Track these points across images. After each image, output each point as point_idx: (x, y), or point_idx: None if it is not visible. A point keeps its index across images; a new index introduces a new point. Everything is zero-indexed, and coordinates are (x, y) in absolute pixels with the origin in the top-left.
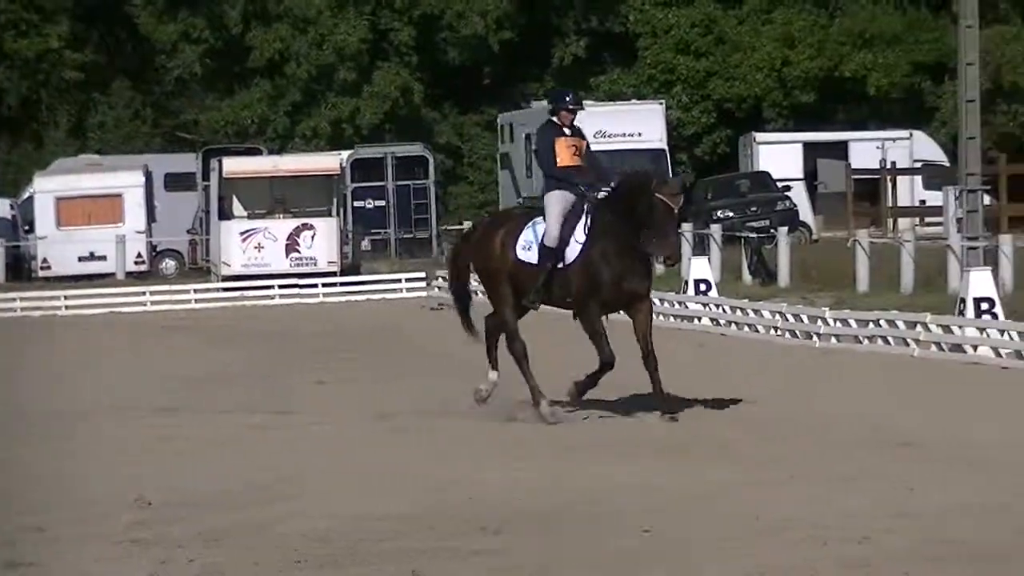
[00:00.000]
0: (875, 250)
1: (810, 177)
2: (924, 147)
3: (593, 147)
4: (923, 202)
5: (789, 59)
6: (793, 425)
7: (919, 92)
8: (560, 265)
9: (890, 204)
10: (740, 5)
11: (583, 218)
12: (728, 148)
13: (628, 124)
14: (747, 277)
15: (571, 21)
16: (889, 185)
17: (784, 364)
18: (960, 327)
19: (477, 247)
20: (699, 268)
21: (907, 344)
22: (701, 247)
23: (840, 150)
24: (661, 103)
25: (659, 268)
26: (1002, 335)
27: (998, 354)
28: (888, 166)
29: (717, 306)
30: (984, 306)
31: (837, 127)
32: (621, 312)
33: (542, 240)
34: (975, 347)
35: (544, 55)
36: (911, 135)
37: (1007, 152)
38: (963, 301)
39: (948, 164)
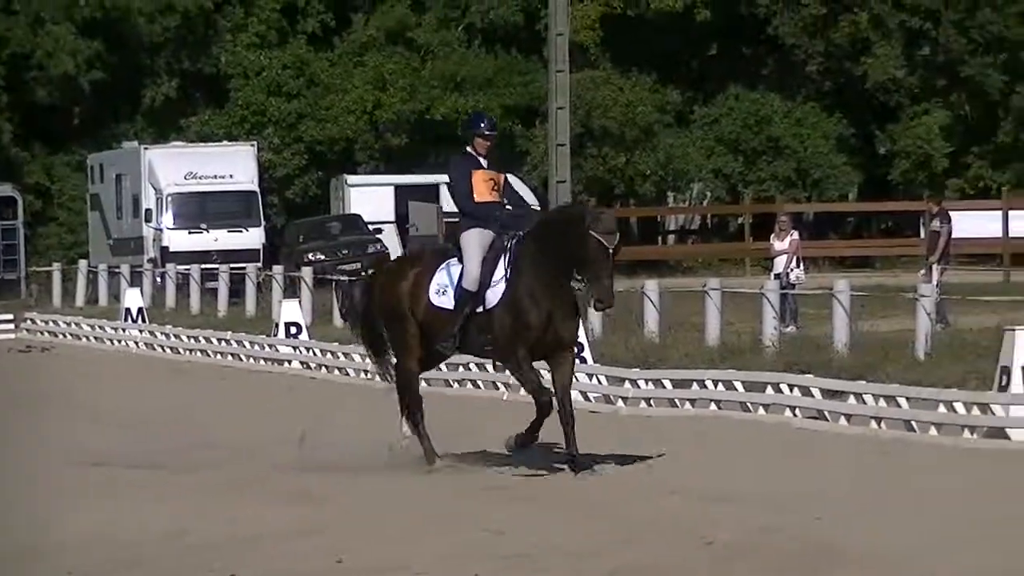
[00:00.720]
0: None
1: (402, 220)
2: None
3: (184, 188)
4: None
5: (381, 101)
6: (358, 466)
7: (510, 135)
8: (480, 309)
9: None
10: (332, 48)
11: (504, 256)
12: (319, 190)
13: (219, 166)
14: (338, 320)
15: (163, 61)
16: None
17: (356, 403)
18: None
19: (385, 290)
20: (290, 311)
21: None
22: (292, 290)
23: (432, 193)
24: (253, 145)
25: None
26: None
27: (587, 398)
28: None
29: (308, 349)
30: None
31: (428, 169)
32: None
33: (459, 283)
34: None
35: (135, 95)
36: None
37: (597, 195)
38: None
39: (539, 207)
